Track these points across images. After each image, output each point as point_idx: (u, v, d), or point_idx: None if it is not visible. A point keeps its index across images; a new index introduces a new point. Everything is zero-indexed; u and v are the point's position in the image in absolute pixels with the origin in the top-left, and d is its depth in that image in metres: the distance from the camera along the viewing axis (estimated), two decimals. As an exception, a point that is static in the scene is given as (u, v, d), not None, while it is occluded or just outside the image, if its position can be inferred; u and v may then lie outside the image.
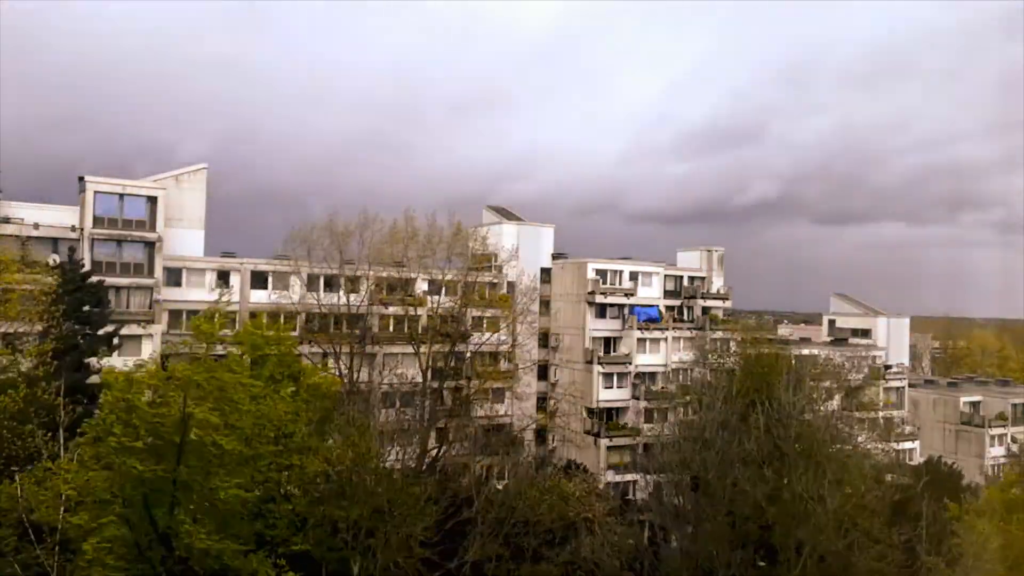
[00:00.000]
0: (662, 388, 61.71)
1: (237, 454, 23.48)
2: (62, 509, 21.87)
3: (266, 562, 24.77)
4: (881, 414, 62.33)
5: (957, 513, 39.76)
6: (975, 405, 74.51)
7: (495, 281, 58.35)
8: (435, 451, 47.62)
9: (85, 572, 21.60)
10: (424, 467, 45.30)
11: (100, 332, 39.66)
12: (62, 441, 24.42)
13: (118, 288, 46.06)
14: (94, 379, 36.89)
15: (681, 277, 67.15)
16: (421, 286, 54.63)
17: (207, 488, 23.49)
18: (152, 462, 22.67)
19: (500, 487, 44.25)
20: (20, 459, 24.88)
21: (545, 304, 63.37)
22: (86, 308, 39.25)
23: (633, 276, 63.54)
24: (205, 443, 22.28)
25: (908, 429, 69.84)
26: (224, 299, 35.09)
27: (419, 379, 49.96)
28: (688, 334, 64.45)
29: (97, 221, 45.83)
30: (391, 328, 53.99)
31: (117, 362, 38.15)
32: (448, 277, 53.37)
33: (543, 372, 63.93)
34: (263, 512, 27.99)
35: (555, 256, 65.34)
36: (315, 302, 50.30)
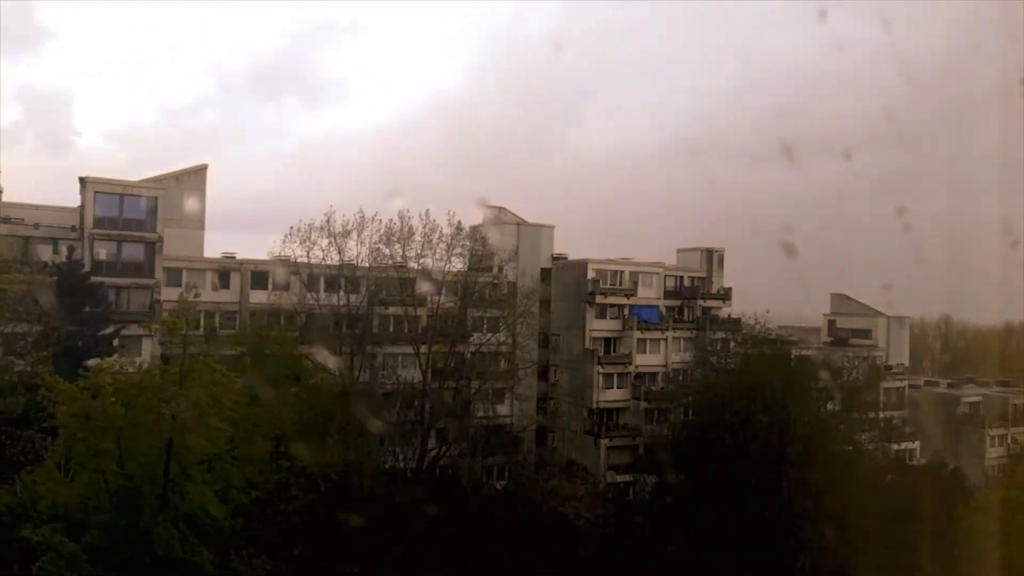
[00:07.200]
0: (662, 388, 61.67)
1: (212, 455, 22.96)
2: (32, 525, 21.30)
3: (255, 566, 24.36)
4: (881, 414, 62.26)
5: (958, 513, 39.78)
6: (975, 405, 74.41)
7: (495, 281, 58.18)
8: (435, 452, 47.57)
9: None
10: (424, 468, 45.33)
11: (100, 333, 39.57)
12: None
13: (118, 288, 45.97)
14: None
15: (681, 277, 67.11)
16: (421, 286, 54.42)
17: (187, 492, 22.85)
18: (131, 465, 22.21)
19: (500, 488, 44.30)
20: (21, 464, 24.74)
21: (545, 304, 63.23)
22: (87, 309, 39.17)
23: (633, 276, 63.51)
24: (182, 445, 21.83)
25: (908, 429, 69.72)
26: (193, 296, 34.96)
27: (419, 379, 49.82)
28: (688, 334, 64.44)
29: (97, 221, 45.73)
30: (391, 328, 53.82)
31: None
32: (448, 278, 53.19)
33: (543, 372, 63.83)
34: (261, 515, 27.84)
35: (555, 257, 65.23)
36: (315, 302, 50.19)
